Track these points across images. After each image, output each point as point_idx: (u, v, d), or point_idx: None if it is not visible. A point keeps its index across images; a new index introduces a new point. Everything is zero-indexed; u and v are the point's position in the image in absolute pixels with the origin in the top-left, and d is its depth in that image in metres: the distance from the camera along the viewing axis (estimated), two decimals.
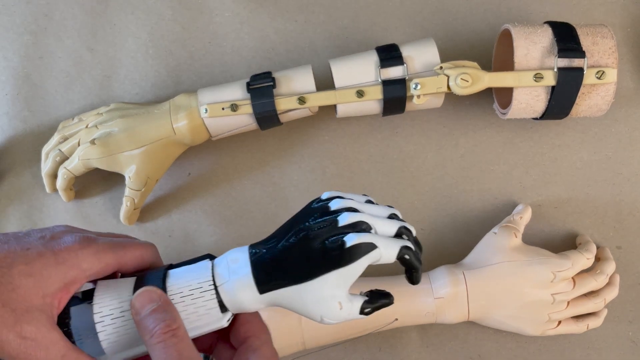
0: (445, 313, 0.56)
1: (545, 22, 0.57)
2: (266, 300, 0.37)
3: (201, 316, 0.37)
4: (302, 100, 0.58)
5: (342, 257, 0.36)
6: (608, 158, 0.64)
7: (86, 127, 0.61)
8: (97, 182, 0.67)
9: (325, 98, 0.58)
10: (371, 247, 0.36)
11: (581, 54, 0.54)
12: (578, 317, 0.58)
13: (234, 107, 0.58)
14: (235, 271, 0.37)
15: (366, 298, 0.38)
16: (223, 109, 0.58)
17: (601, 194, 0.64)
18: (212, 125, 0.59)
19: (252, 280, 0.37)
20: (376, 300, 0.38)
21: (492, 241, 0.58)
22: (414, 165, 0.65)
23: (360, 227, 0.37)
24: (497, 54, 0.62)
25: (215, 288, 0.37)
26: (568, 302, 0.56)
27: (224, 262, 0.38)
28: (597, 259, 0.60)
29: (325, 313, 0.36)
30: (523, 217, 0.60)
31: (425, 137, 0.66)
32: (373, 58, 0.57)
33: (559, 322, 0.57)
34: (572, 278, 0.57)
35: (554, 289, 0.55)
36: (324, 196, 0.40)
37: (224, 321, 0.37)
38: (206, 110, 0.58)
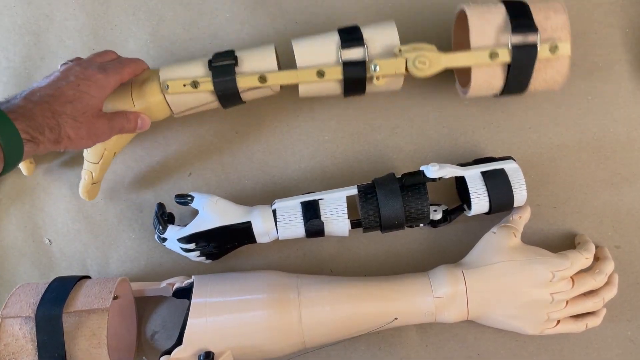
0: (444, 312, 0.56)
1: (500, 1, 0.58)
2: None
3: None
4: (263, 79, 0.58)
5: None
6: (607, 158, 0.64)
7: None
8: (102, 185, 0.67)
9: (285, 77, 0.58)
10: None
11: (534, 29, 0.55)
12: (577, 317, 0.58)
13: (194, 84, 0.58)
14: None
15: None
16: (184, 85, 0.58)
17: (600, 194, 0.64)
18: (173, 102, 0.60)
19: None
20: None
21: (491, 241, 0.59)
22: (414, 165, 0.65)
23: None
24: (456, 35, 0.63)
25: None
26: (567, 302, 0.56)
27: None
28: (596, 258, 0.61)
29: None
30: (522, 216, 0.60)
31: (425, 137, 0.66)
32: (335, 39, 0.57)
33: (558, 322, 0.57)
34: (571, 277, 0.57)
35: (552, 288, 0.55)
36: None
37: None
38: (167, 86, 0.58)
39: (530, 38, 0.55)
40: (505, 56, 0.55)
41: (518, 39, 0.55)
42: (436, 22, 0.67)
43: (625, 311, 0.62)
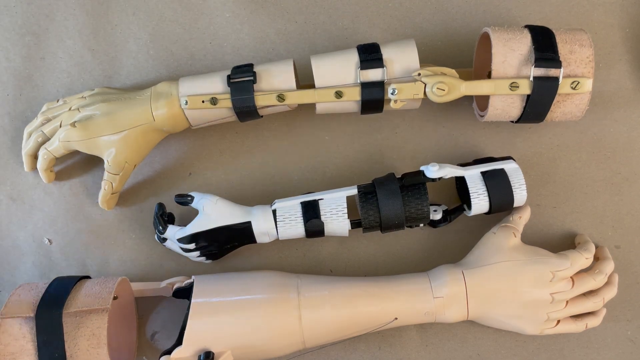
0: (444, 312, 0.56)
1: (526, 26, 0.57)
2: None
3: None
4: (281, 98, 0.58)
5: None
6: (607, 158, 0.64)
7: (69, 109, 0.62)
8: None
9: (304, 97, 0.58)
10: None
11: (557, 63, 0.54)
12: (577, 317, 0.58)
13: (213, 101, 0.58)
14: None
15: None
16: (203, 101, 0.58)
17: (600, 194, 0.64)
18: (192, 116, 0.60)
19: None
20: None
21: (492, 241, 0.59)
22: (414, 165, 0.65)
23: None
24: (478, 52, 0.63)
25: None
26: (567, 302, 0.57)
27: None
28: (596, 258, 0.61)
29: None
30: (522, 216, 0.60)
31: (425, 137, 0.66)
32: (354, 58, 0.57)
33: (558, 322, 0.57)
34: (571, 277, 0.57)
35: (552, 288, 0.55)
36: None
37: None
38: (186, 102, 0.59)
39: (552, 72, 0.54)
40: (525, 88, 0.55)
41: (540, 71, 0.54)
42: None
43: (625, 311, 0.62)
